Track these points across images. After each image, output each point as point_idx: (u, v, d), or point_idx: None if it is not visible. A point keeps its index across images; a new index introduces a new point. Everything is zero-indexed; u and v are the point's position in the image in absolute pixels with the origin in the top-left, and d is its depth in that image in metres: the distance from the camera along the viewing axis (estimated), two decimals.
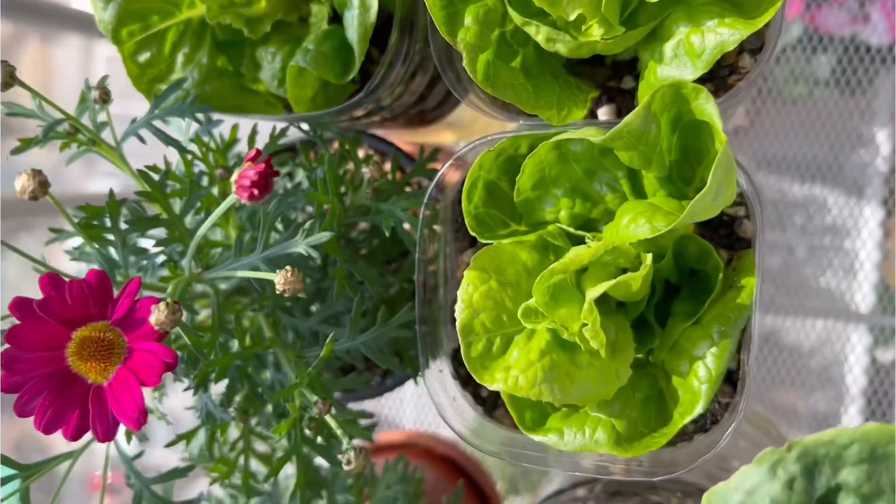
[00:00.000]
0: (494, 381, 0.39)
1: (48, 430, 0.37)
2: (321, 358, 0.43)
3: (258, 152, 0.37)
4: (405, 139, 0.74)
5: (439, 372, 0.51)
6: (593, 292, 0.38)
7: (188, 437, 0.51)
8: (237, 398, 0.48)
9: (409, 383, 0.93)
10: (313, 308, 0.54)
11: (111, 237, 0.45)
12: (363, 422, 0.59)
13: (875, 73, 1.43)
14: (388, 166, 0.63)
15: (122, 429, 0.46)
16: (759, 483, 0.31)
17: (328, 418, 0.44)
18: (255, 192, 0.36)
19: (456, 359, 0.53)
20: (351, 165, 0.51)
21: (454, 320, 0.52)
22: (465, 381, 0.53)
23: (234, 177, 0.36)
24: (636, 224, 0.39)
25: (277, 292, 0.38)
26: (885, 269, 1.59)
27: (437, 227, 0.51)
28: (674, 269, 0.44)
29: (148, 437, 0.53)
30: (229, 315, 0.50)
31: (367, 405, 0.81)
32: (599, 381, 0.40)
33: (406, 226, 0.50)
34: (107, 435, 0.38)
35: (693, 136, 0.40)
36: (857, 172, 1.63)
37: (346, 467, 0.42)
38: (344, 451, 0.43)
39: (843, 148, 1.56)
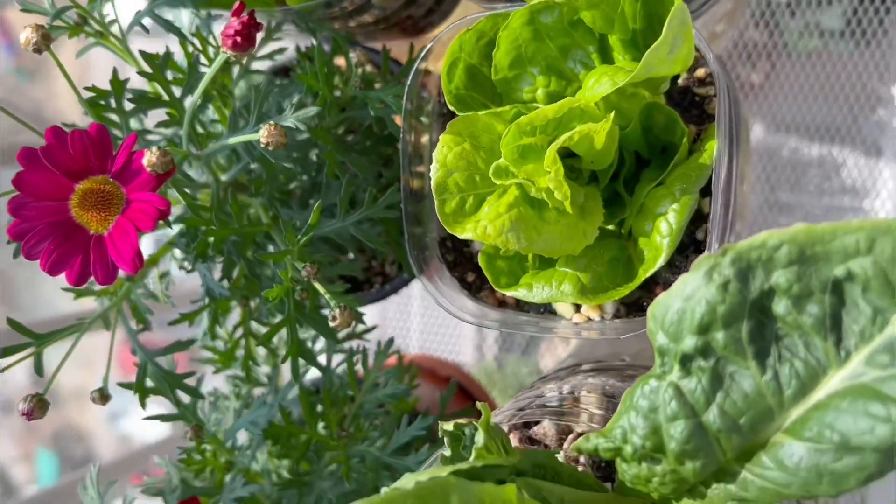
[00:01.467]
0: (465, 232, 0.41)
1: (53, 271, 0.40)
2: (310, 225, 0.46)
3: (241, 5, 0.40)
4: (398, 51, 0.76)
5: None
6: (556, 143, 0.40)
7: (191, 317, 0.54)
8: (235, 273, 0.51)
9: (414, 310, 0.95)
10: (311, 203, 0.57)
11: (115, 118, 0.48)
12: (361, 327, 0.62)
13: (891, 23, 1.42)
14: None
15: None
16: (696, 288, 0.33)
17: (316, 284, 0.47)
18: (239, 40, 0.39)
19: (443, 246, 0.55)
20: (342, 61, 0.53)
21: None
22: (451, 267, 0.55)
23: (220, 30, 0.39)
24: (599, 83, 0.41)
25: (262, 145, 0.40)
26: None
27: (423, 119, 0.53)
28: (643, 142, 0.46)
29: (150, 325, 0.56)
30: (228, 205, 0.53)
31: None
32: (566, 237, 0.43)
33: (396, 117, 0.52)
34: (107, 279, 0.41)
35: (656, 4, 0.42)
36: (876, 130, 1.62)
37: (331, 323, 0.45)
38: (330, 309, 0.45)
39: (861, 105, 1.55)
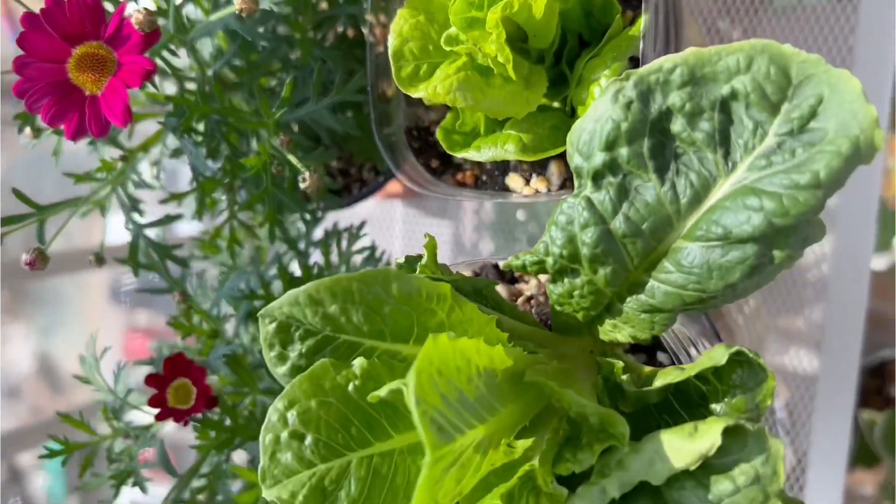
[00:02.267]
0: (418, 91, 0.46)
1: (52, 122, 0.46)
2: (283, 98, 0.51)
3: None
4: None
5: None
6: (497, 7, 0.45)
7: (180, 197, 0.59)
8: (220, 154, 0.56)
9: (397, 222, 1.00)
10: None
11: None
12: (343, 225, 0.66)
13: None
14: None
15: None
16: (604, 110, 0.37)
17: (290, 157, 0.52)
18: None
19: (409, 133, 0.60)
20: None
21: (406, 98, 0.60)
22: (417, 154, 0.60)
23: None
24: None
25: (236, 12, 0.45)
26: (884, 184, 1.62)
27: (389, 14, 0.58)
28: (585, 24, 0.51)
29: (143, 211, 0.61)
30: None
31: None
32: (510, 101, 0.48)
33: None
34: (100, 132, 0.46)
35: None
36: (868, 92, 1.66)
37: (301, 185, 0.50)
38: (300, 174, 0.50)
39: (841, 62, 1.59)
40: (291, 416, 0.36)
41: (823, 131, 0.34)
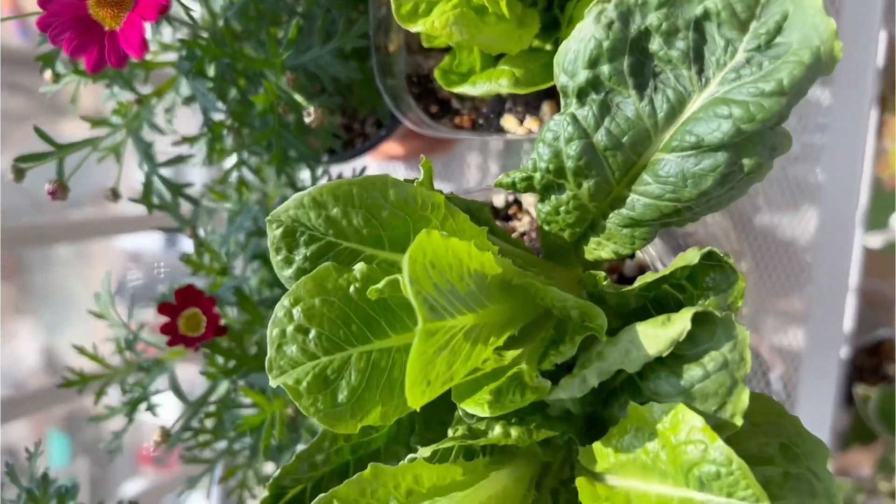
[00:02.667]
0: (417, 26, 0.49)
1: (74, 54, 0.48)
2: (289, 40, 0.54)
3: None
4: None
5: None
6: None
7: (191, 140, 0.62)
8: (230, 95, 0.59)
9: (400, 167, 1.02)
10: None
11: None
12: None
13: None
14: None
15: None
16: (588, 31, 0.40)
17: (296, 96, 0.55)
18: None
19: (409, 81, 0.63)
20: None
21: (407, 48, 0.63)
22: (417, 100, 0.63)
23: None
24: None
25: None
26: (879, 165, 1.65)
27: None
28: None
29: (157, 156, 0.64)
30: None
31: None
32: (504, 38, 0.50)
33: None
34: (119, 63, 0.49)
35: None
36: (852, 70, 1.68)
37: (306, 119, 0.53)
38: (305, 109, 0.53)
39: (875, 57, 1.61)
40: (297, 312, 0.39)
41: (788, 45, 0.37)
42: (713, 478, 0.35)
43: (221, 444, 0.64)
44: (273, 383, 0.39)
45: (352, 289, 0.40)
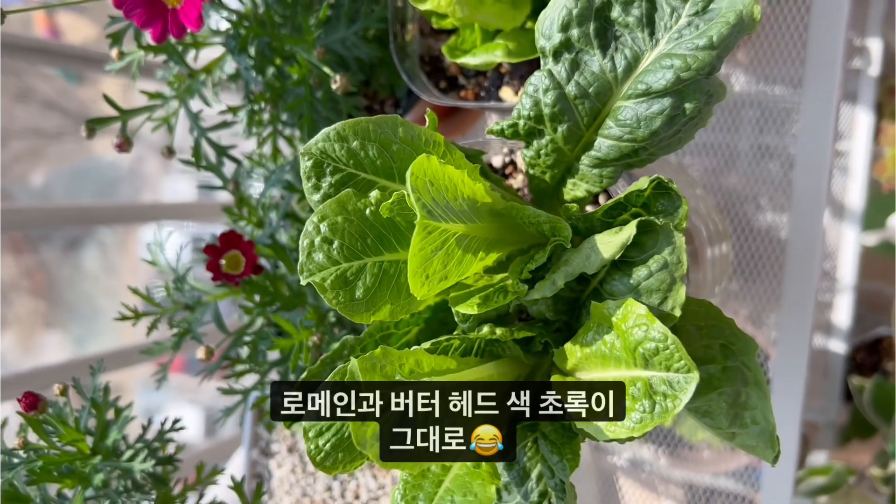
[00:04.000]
0: (426, 4, 0.59)
1: (143, 27, 0.58)
2: (320, 19, 0.64)
3: None
4: None
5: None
6: None
7: (234, 110, 0.72)
8: (268, 73, 0.69)
9: None
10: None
11: None
12: None
13: None
14: None
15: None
16: (561, 1, 0.49)
17: (325, 68, 0.65)
18: None
19: (422, 60, 0.73)
20: None
21: (420, 32, 0.72)
22: (429, 76, 0.72)
23: None
24: None
25: None
26: (875, 168, 1.72)
27: None
28: None
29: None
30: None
31: None
32: (500, 16, 0.60)
33: None
34: (179, 34, 0.59)
35: None
36: (851, 80, 1.76)
37: (333, 86, 0.63)
38: (332, 78, 0.63)
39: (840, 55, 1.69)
40: (323, 226, 0.48)
41: (718, 9, 0.46)
42: (654, 353, 0.43)
43: (253, 378, 0.73)
44: (303, 281, 0.48)
45: (368, 211, 0.49)
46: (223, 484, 0.70)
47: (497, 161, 0.68)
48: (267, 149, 0.77)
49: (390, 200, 0.46)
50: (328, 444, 0.46)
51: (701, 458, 1.44)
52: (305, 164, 0.49)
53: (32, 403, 0.58)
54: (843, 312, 1.79)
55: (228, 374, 0.70)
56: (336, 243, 0.48)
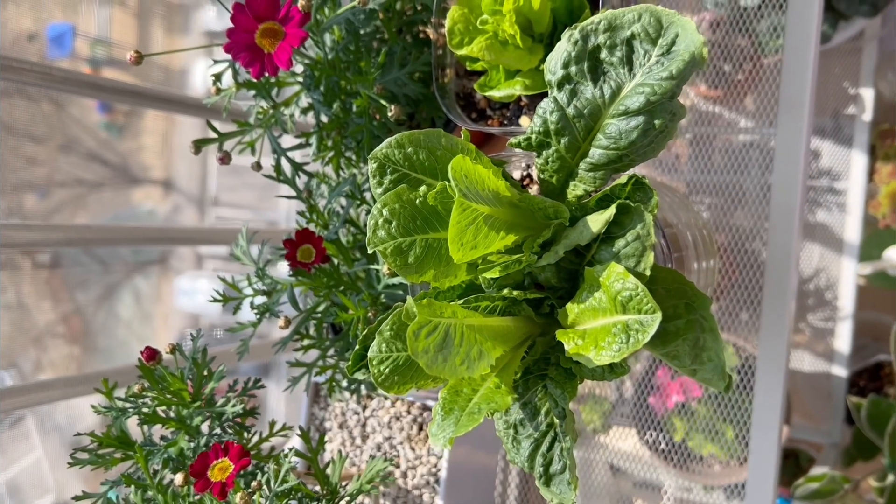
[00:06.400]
0: (462, 51, 0.75)
1: (247, 66, 0.76)
2: (379, 62, 0.81)
3: None
4: None
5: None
6: (510, 3, 0.74)
7: (308, 135, 0.89)
8: (333, 107, 0.86)
9: None
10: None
11: None
12: None
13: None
14: None
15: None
16: (563, 46, 0.65)
17: (382, 101, 0.82)
18: None
19: (458, 97, 0.90)
20: None
21: (456, 74, 0.89)
22: (463, 109, 0.89)
23: None
24: None
25: (355, 6, 0.76)
26: (870, 205, 1.86)
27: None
28: (568, 17, 0.80)
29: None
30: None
31: None
32: (518, 60, 0.76)
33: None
34: (273, 72, 0.76)
35: None
36: (847, 124, 1.91)
37: (389, 114, 0.80)
38: (388, 108, 0.80)
39: (834, 99, 1.85)
40: (385, 211, 0.64)
41: (678, 51, 0.62)
42: (628, 300, 0.58)
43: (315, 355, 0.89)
44: (370, 250, 0.64)
45: (417, 201, 0.65)
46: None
47: (517, 174, 0.84)
48: (329, 170, 0.94)
49: (435, 190, 0.62)
50: (387, 370, 0.62)
51: (713, 471, 1.57)
52: (372, 166, 0.66)
53: (151, 355, 0.74)
54: (843, 339, 1.91)
55: (297, 348, 0.86)
56: (394, 223, 0.64)
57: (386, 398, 1.01)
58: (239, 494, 0.63)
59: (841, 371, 1.90)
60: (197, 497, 0.70)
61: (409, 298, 0.58)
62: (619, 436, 1.58)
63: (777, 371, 1.11)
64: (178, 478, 0.66)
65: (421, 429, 0.99)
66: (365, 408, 1.03)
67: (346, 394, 0.97)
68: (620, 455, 1.61)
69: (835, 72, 1.91)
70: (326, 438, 1.05)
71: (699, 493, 1.53)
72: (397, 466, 0.99)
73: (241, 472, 0.70)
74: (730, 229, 1.40)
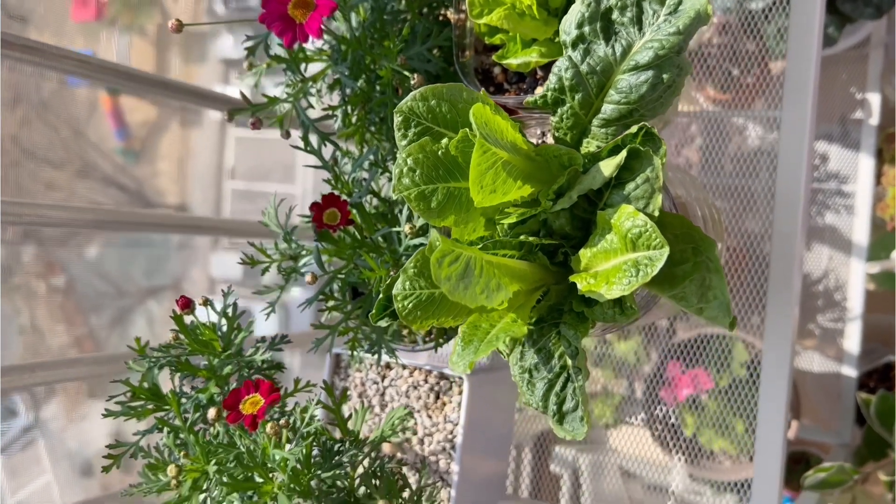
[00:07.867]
0: (482, 18, 0.80)
1: (279, 35, 0.81)
2: (403, 35, 0.85)
3: None
4: None
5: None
6: None
7: (334, 108, 0.93)
8: (359, 82, 0.90)
9: None
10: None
11: None
12: None
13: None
14: None
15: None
16: (577, 7, 0.69)
17: (404, 71, 0.86)
18: None
19: (476, 72, 0.94)
20: None
21: (475, 50, 0.94)
22: (482, 83, 0.94)
23: None
24: None
25: None
26: (878, 207, 1.89)
27: None
28: None
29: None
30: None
31: None
32: (534, 30, 0.81)
33: None
34: (304, 40, 0.81)
35: None
36: (854, 129, 1.95)
37: (412, 82, 0.84)
38: (411, 77, 0.84)
39: (841, 105, 1.89)
40: (409, 160, 0.68)
41: (684, 9, 0.66)
42: (638, 236, 0.62)
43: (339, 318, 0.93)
44: (394, 196, 0.68)
45: (440, 152, 0.69)
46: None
47: (532, 139, 0.88)
48: (352, 147, 0.98)
49: (456, 138, 0.66)
50: (410, 304, 0.65)
51: (723, 467, 1.59)
52: (397, 119, 0.70)
53: (186, 304, 0.78)
54: (853, 340, 1.92)
55: (322, 308, 0.89)
56: (417, 171, 0.68)
57: (404, 367, 1.05)
58: (269, 424, 0.66)
59: (851, 372, 1.92)
60: (226, 439, 0.74)
61: (433, 231, 0.62)
62: (630, 439, 1.60)
63: (782, 362, 1.13)
64: (212, 412, 0.70)
65: (438, 397, 1.02)
66: (384, 377, 1.06)
67: (366, 363, 1.01)
68: (631, 459, 1.63)
69: (842, 78, 1.96)
70: (347, 407, 1.09)
71: (709, 496, 1.55)
72: (415, 433, 1.03)
73: (270, 410, 0.73)
74: (741, 233, 1.43)
